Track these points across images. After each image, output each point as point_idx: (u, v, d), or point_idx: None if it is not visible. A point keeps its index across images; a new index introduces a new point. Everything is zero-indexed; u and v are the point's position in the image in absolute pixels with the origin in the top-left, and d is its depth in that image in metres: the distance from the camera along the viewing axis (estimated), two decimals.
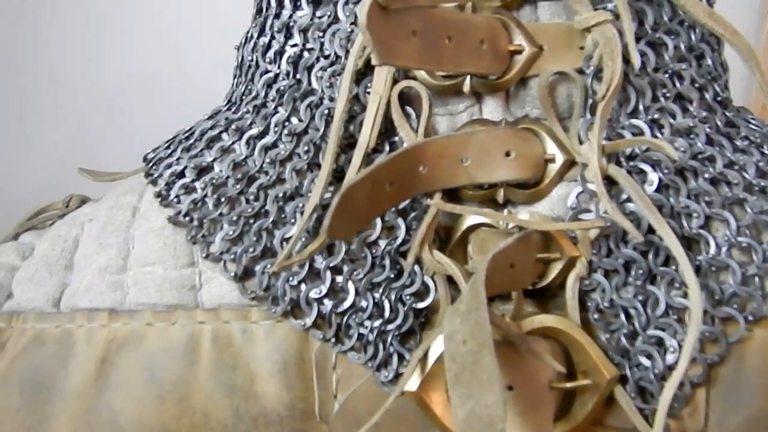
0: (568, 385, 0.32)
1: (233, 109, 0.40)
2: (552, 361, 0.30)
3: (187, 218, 0.36)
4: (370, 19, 0.26)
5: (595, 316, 0.34)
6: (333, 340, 0.34)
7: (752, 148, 0.35)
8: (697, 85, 0.35)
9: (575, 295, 0.33)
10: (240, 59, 0.42)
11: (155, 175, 0.39)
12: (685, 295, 0.32)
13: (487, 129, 0.34)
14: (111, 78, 1.03)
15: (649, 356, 0.33)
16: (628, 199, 0.33)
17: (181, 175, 0.38)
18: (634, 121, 0.34)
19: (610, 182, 0.33)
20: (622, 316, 0.33)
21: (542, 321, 0.33)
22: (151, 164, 0.40)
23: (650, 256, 0.33)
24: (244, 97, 0.40)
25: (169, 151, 0.40)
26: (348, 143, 0.35)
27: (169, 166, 0.39)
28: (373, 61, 0.28)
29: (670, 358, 0.32)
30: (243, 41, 0.42)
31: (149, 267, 0.36)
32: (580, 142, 0.34)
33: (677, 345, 0.32)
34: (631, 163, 0.34)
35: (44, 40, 1.05)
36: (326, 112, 0.36)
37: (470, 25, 0.32)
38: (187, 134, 0.41)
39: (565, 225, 0.33)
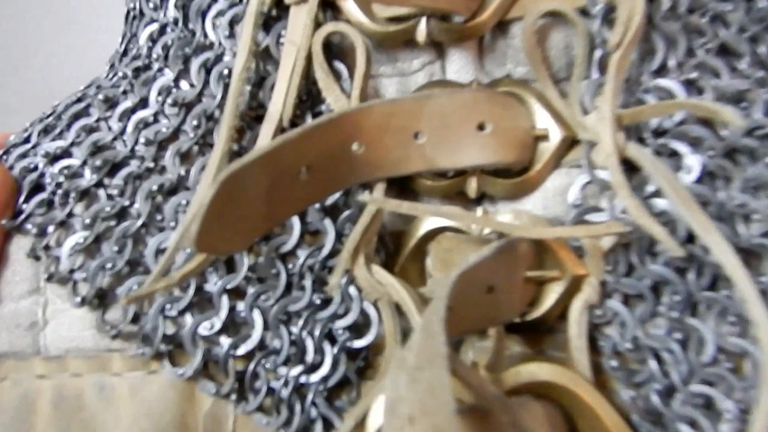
0: None
1: (110, 75, 0.30)
2: None
3: (29, 224, 0.26)
4: None
5: (612, 362, 0.23)
6: (232, 395, 0.25)
7: None
8: (747, 34, 0.25)
9: (582, 331, 0.23)
10: (126, 10, 0.31)
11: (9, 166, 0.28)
12: (744, 334, 0.22)
13: (451, 92, 0.24)
14: (78, 63, 0.96)
15: (693, 424, 0.22)
16: (657, 193, 0.24)
17: (34, 168, 0.27)
18: (662, 82, 0.25)
19: (628, 168, 0.23)
20: (652, 363, 0.23)
21: (534, 373, 0.22)
22: (1, 153, 0.29)
23: (690, 276, 0.23)
24: (124, 58, 0.29)
25: (25, 135, 0.29)
26: (256, 115, 0.26)
27: (23, 156, 0.28)
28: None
29: (726, 428, 0.22)
30: None
31: None
32: (585, 112, 0.24)
33: (736, 409, 0.22)
34: (660, 141, 0.24)
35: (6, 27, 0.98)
36: (225, 72, 0.27)
37: None
38: (49, 112, 0.30)
39: (566, 230, 0.22)
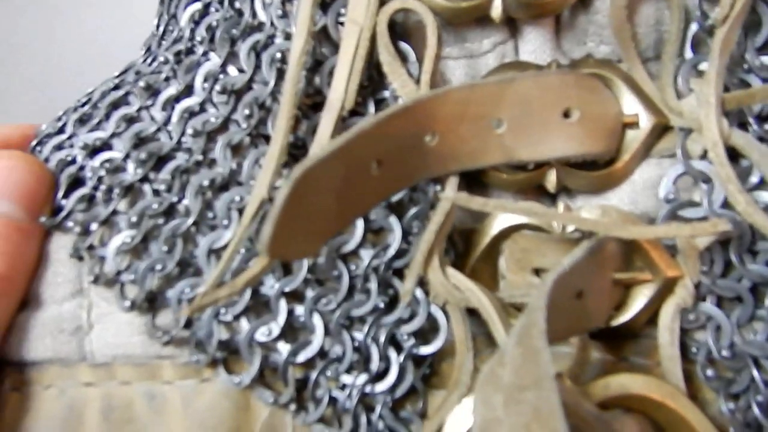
0: None
1: (149, 60, 0.28)
2: None
3: (71, 222, 0.24)
4: None
5: (708, 371, 0.22)
6: (292, 405, 0.24)
7: None
8: None
9: (675, 337, 0.22)
10: None
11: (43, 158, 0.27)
12: None
13: (534, 74, 0.21)
14: (71, 47, 0.95)
15: None
16: (761, 184, 0.21)
17: (72, 161, 0.26)
18: None
19: (730, 157, 0.21)
20: (753, 371, 0.21)
21: (625, 386, 0.21)
22: (34, 145, 0.28)
23: None
24: (163, 41, 0.28)
25: (60, 125, 0.28)
26: (313, 103, 0.25)
27: (58, 148, 0.26)
28: None
29: None
30: None
31: (25, 305, 0.24)
32: (678, 96, 0.22)
33: None
34: (766, 127, 0.21)
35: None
36: (279, 56, 0.25)
37: None
38: (84, 100, 0.28)
39: (664, 230, 0.20)
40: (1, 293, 0.23)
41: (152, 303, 0.24)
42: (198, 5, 0.26)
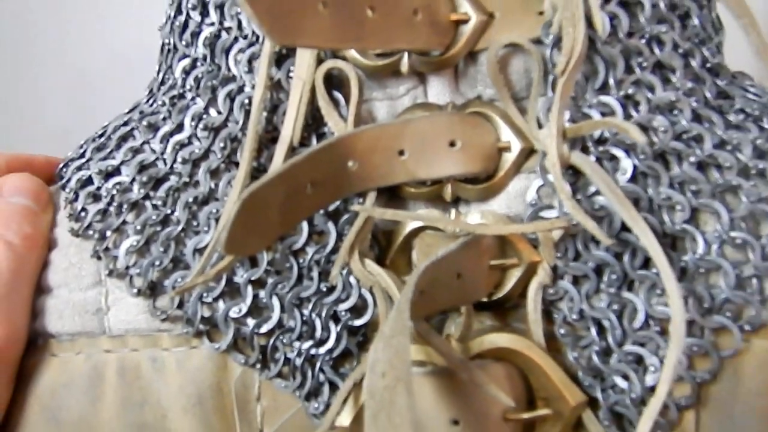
0: (525, 415, 0.27)
1: (150, 101, 0.35)
2: (496, 391, 0.25)
3: (91, 231, 0.31)
4: None
5: (562, 330, 0.28)
6: (257, 365, 0.30)
7: (749, 123, 0.29)
8: (680, 50, 0.30)
9: (538, 306, 0.28)
10: (161, 43, 0.37)
11: (64, 182, 0.34)
12: (669, 304, 0.27)
13: (428, 116, 0.29)
14: (91, 57, 0.98)
15: (626, 377, 0.28)
16: (598, 192, 0.28)
17: (89, 181, 0.33)
18: (604, 98, 0.29)
19: (576, 172, 0.28)
20: (593, 330, 0.28)
21: (494, 341, 0.28)
22: (61, 167, 0.35)
23: (626, 258, 0.28)
24: (161, 86, 0.35)
25: (81, 151, 0.35)
26: (272, 137, 0.31)
27: (78, 169, 0.34)
28: (267, 42, 0.23)
29: (650, 378, 0.27)
30: (164, 21, 0.37)
31: (54, 291, 0.31)
32: (540, 126, 0.29)
33: (659, 363, 0.27)
34: (601, 149, 0.28)
35: (21, 19, 1.01)
36: (246, 101, 0.31)
37: None
38: (100, 132, 0.36)
39: (520, 227, 0.28)
40: (30, 247, 0.31)
41: (153, 290, 0.30)
42: (188, 60, 0.33)
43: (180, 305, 0.30)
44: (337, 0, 0.25)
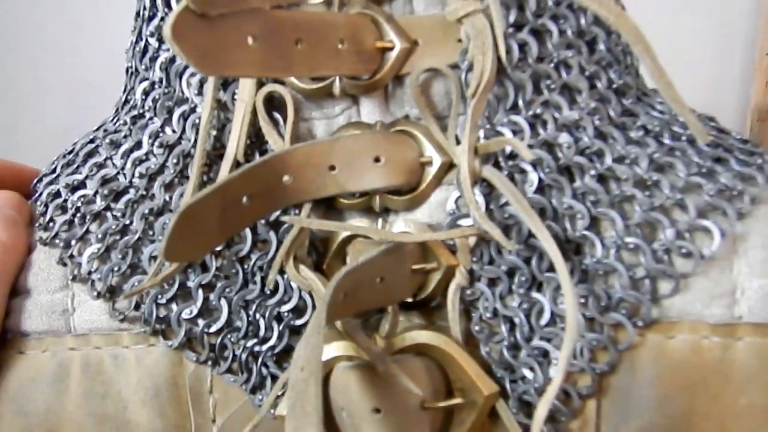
0: (441, 404, 0.30)
1: (114, 120, 0.38)
2: (407, 382, 0.28)
3: (58, 240, 0.35)
4: (176, 29, 0.24)
5: (477, 327, 0.32)
6: (208, 362, 0.33)
7: (648, 138, 0.33)
8: (586, 73, 0.33)
9: (455, 306, 0.31)
10: (126, 66, 0.40)
11: (37, 196, 0.37)
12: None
13: (354, 135, 0.32)
14: (91, 57, 1.01)
15: (532, 369, 0.31)
16: (508, 202, 0.31)
17: (57, 194, 0.36)
18: (514, 117, 0.32)
19: (490, 185, 0.31)
20: (504, 327, 0.31)
21: (415, 338, 0.31)
22: (35, 182, 0.39)
23: (534, 262, 0.31)
24: (124, 106, 0.38)
25: (53, 167, 0.39)
26: (219, 154, 0.34)
27: (49, 184, 0.37)
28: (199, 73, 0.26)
29: (552, 370, 0.30)
30: (128, 46, 0.40)
31: (25, 293, 0.35)
32: (458, 143, 0.32)
33: None
34: (511, 163, 0.31)
35: (24, 30, 1.03)
36: (197, 121, 0.34)
37: (324, 25, 0.30)
38: (70, 149, 0.39)
39: (436, 235, 0.31)
40: (9, 252, 0.33)
41: (113, 293, 0.33)
42: (147, 83, 0.36)
43: (137, 307, 0.33)
44: (266, 34, 0.28)
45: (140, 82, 0.37)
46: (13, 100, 1.07)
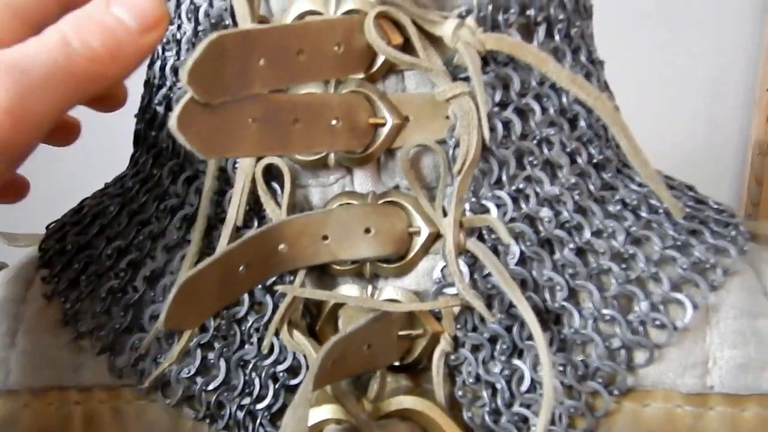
0: None
1: (125, 178, 0.41)
2: None
3: (62, 298, 0.36)
4: (182, 120, 0.26)
5: (460, 392, 0.33)
6: (206, 419, 0.35)
7: (626, 212, 0.34)
8: (567, 149, 0.34)
9: (440, 371, 0.33)
10: (135, 129, 0.42)
11: (45, 249, 0.39)
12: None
13: (347, 207, 0.34)
14: None
15: None
16: (490, 273, 0.33)
17: (63, 251, 0.38)
18: (498, 192, 0.33)
19: (474, 256, 0.33)
20: (486, 392, 0.33)
21: (401, 402, 0.32)
22: (45, 237, 0.41)
23: (515, 330, 0.33)
24: (135, 166, 0.40)
25: (61, 224, 0.41)
26: (220, 218, 0.36)
27: (57, 241, 0.39)
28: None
29: None
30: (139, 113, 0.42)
31: (33, 346, 0.36)
32: (445, 214, 0.34)
33: None
34: (494, 236, 0.33)
35: None
36: (200, 186, 0.36)
37: (320, 105, 0.32)
38: (77, 208, 0.41)
39: (421, 306, 0.32)
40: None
41: (113, 350, 0.35)
42: (157, 148, 0.38)
43: (135, 364, 0.35)
44: (265, 115, 0.30)
45: (150, 148, 0.39)
46: None
